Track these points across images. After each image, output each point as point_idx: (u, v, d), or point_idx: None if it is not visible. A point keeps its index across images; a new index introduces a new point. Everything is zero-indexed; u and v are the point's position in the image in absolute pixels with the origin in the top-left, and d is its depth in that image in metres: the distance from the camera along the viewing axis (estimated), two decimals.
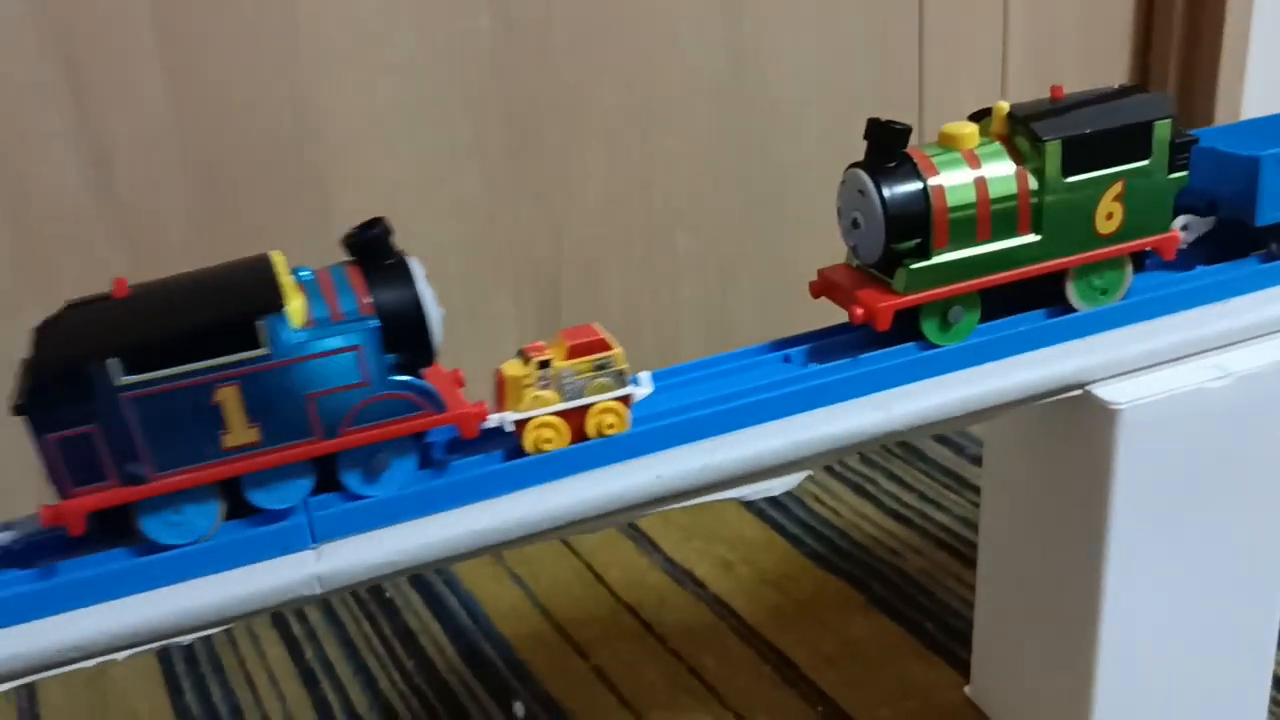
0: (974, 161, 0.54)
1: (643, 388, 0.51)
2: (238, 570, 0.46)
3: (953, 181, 0.53)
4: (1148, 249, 0.57)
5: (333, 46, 0.83)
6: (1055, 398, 0.56)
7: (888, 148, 0.53)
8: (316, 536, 0.47)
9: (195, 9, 0.79)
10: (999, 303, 0.55)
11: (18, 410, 0.42)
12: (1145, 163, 0.55)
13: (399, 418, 0.46)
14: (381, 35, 0.85)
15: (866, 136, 0.54)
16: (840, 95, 1.03)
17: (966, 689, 0.75)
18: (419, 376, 0.46)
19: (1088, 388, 0.56)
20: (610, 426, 0.49)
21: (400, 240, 0.89)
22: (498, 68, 0.89)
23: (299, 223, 0.86)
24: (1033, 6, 1.11)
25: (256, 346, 0.43)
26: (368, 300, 0.46)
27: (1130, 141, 0.55)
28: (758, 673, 0.78)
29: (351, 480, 0.46)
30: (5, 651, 0.43)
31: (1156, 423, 0.56)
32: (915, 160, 0.53)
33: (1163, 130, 0.55)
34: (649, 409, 0.52)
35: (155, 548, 0.45)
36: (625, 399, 0.49)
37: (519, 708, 0.76)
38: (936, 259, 0.53)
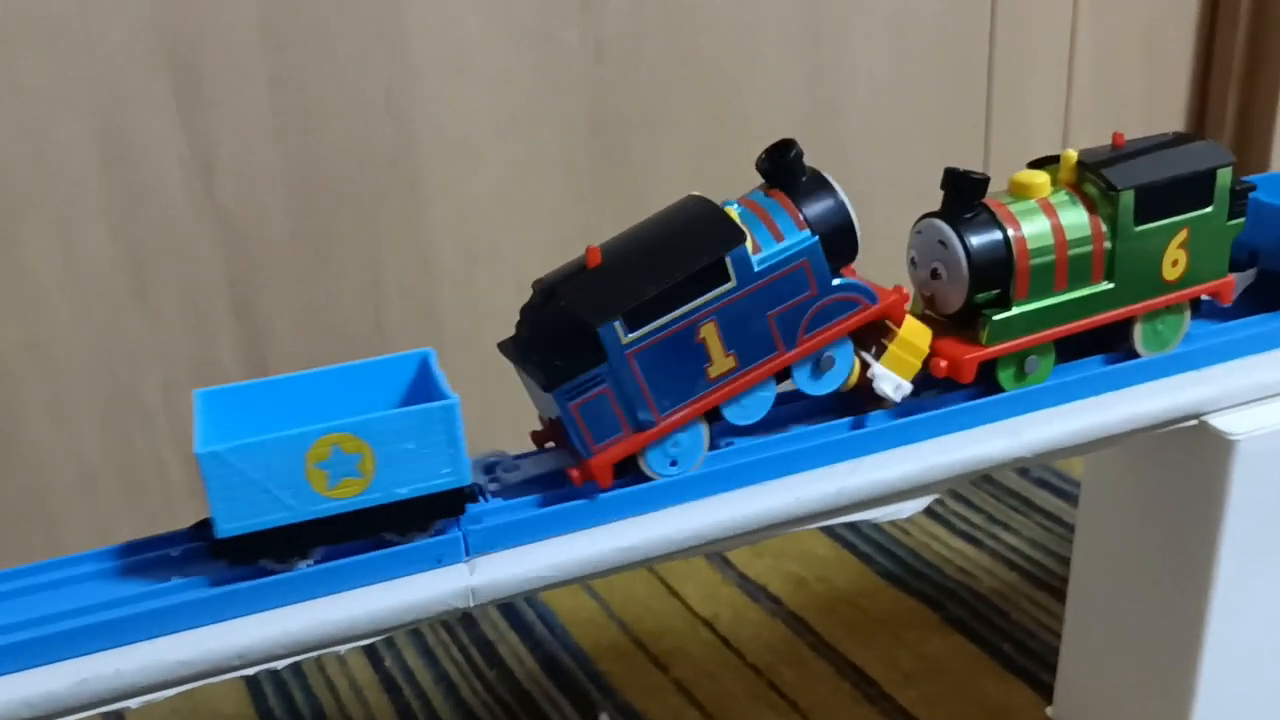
0: (1050, 211, 0.54)
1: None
2: (397, 581, 0.46)
3: (1032, 231, 0.53)
4: (1204, 295, 0.57)
5: (432, 56, 0.84)
6: (1172, 428, 0.57)
7: (967, 197, 0.53)
8: (470, 550, 0.47)
9: (302, 19, 0.80)
10: (1066, 349, 0.56)
11: (546, 389, 0.46)
12: (1208, 210, 0.56)
13: (843, 317, 0.50)
14: (480, 47, 0.86)
15: (944, 186, 0.54)
16: (911, 116, 1.05)
17: (1048, 710, 0.76)
18: (844, 276, 0.50)
19: (1204, 418, 0.57)
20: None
21: (487, 250, 0.91)
22: (586, 83, 0.90)
23: (390, 231, 0.87)
24: (1097, 47, 1.13)
25: (727, 280, 0.47)
26: (801, 217, 0.49)
27: (1196, 189, 0.55)
28: (836, 687, 0.79)
29: (802, 379, 0.50)
30: (173, 658, 0.44)
31: (1270, 453, 0.57)
32: (994, 210, 0.53)
33: (1224, 178, 0.56)
34: (771, 435, 0.53)
35: (269, 571, 0.45)
36: None
37: (604, 719, 0.77)
38: (1017, 309, 0.53)
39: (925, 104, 1.05)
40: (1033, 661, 0.80)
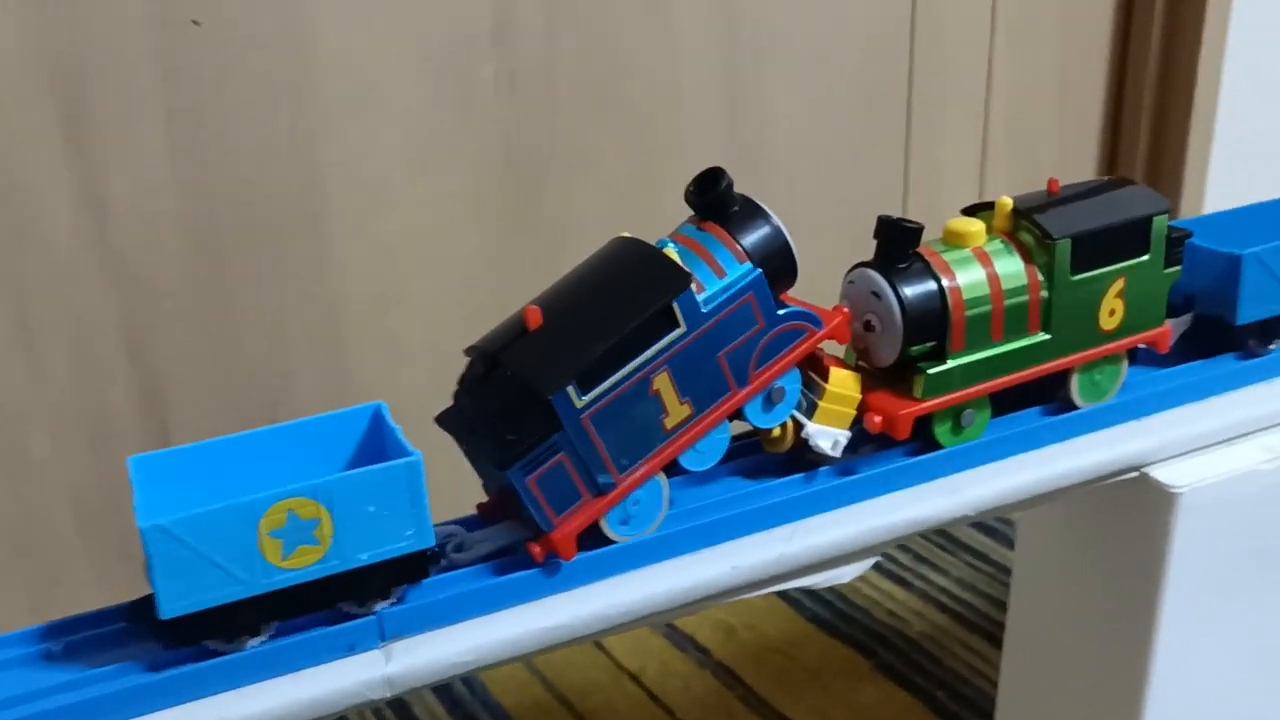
0: (985, 260, 0.52)
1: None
2: (305, 672, 0.43)
3: (968, 281, 0.51)
4: (1142, 344, 0.56)
5: (338, 90, 0.81)
6: (1112, 480, 0.55)
7: (901, 247, 0.51)
8: (386, 634, 0.44)
9: (199, 54, 0.75)
10: (1002, 401, 0.54)
11: (501, 467, 0.43)
12: (1145, 258, 0.54)
13: (791, 346, 0.48)
14: (388, 80, 0.82)
15: (876, 235, 0.52)
16: (830, 153, 1.03)
17: None
18: (786, 303, 0.49)
19: (1145, 470, 0.56)
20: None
21: (397, 291, 0.87)
22: (500, 119, 0.87)
23: (294, 273, 0.83)
24: (1012, 90, 1.13)
25: (677, 326, 0.45)
26: (740, 249, 0.47)
27: (1132, 237, 0.54)
28: None
29: (754, 414, 0.48)
30: None
31: (1213, 505, 0.56)
32: (928, 260, 0.51)
33: (1160, 225, 0.54)
34: (710, 497, 0.50)
35: (215, 652, 0.42)
36: None
37: None
38: (953, 362, 0.51)
39: (844, 145, 1.04)
40: (966, 709, 0.78)
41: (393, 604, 0.44)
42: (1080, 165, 1.22)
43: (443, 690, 0.82)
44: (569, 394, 0.44)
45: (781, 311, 0.48)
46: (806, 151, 1.02)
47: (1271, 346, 0.60)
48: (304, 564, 0.42)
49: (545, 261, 0.92)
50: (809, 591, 0.91)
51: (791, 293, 0.51)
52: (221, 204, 0.79)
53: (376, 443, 0.47)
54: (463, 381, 0.47)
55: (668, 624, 0.88)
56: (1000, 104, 1.13)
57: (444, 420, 0.47)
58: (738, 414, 0.48)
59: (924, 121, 1.08)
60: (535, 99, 0.88)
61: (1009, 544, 0.94)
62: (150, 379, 0.80)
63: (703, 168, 1.00)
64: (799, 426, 0.50)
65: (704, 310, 0.46)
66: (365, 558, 0.42)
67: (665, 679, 0.83)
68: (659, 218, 1.00)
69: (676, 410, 0.46)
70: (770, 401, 0.48)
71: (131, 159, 0.76)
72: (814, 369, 0.50)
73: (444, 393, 0.90)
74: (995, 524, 0.98)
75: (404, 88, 0.83)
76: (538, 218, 0.91)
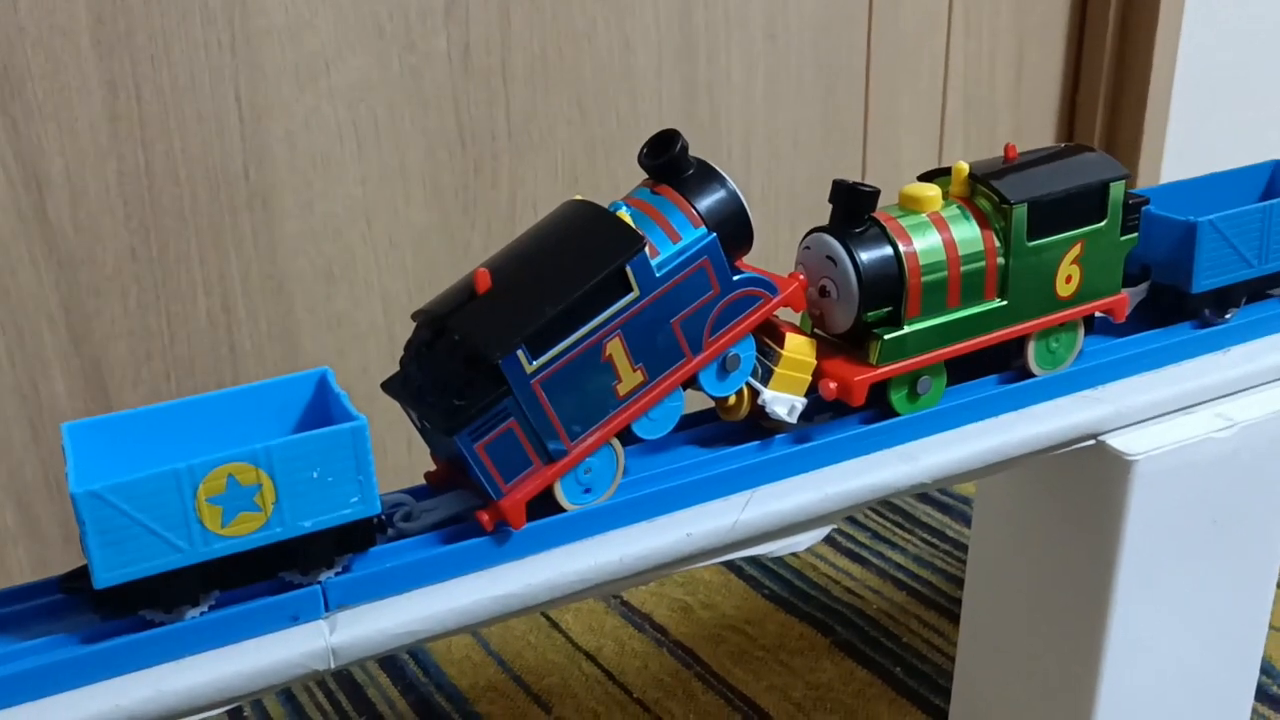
0: (941, 225, 0.52)
1: None
2: (247, 643, 0.41)
3: (924, 246, 0.51)
4: (1098, 312, 0.56)
5: (284, 62, 0.79)
6: (1069, 448, 0.55)
7: (857, 211, 0.50)
8: (330, 604, 0.43)
9: (138, 24, 0.73)
10: (958, 369, 0.53)
11: (448, 433, 0.42)
12: (1102, 224, 0.54)
13: (747, 313, 0.47)
14: (337, 53, 0.80)
15: (832, 199, 0.51)
16: (787, 130, 1.03)
17: None
18: (742, 269, 0.48)
19: (1101, 438, 0.56)
20: None
21: (347, 269, 0.86)
22: (452, 93, 0.86)
23: (241, 250, 0.81)
24: (970, 59, 1.13)
25: (630, 290, 0.44)
26: (695, 212, 0.46)
27: (1089, 203, 0.54)
28: None
29: (709, 382, 0.47)
30: None
31: (1168, 473, 0.56)
32: (885, 224, 0.51)
33: (1117, 191, 0.54)
34: (664, 465, 0.49)
35: (151, 623, 0.40)
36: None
37: None
38: (909, 328, 0.51)
39: (801, 117, 1.03)
40: (924, 685, 0.78)
41: (338, 573, 0.43)
42: (1038, 138, 1.22)
43: (396, 672, 0.81)
44: (519, 358, 0.43)
45: (736, 277, 0.47)
46: (763, 126, 1.01)
47: (1227, 315, 0.60)
48: (244, 531, 0.40)
49: (498, 239, 0.91)
50: (767, 569, 0.91)
51: (748, 263, 0.50)
52: (164, 179, 0.77)
53: (322, 409, 0.45)
54: (409, 347, 0.46)
55: (624, 603, 0.87)
56: (958, 77, 1.13)
57: (390, 386, 0.46)
58: (692, 381, 0.47)
59: (882, 95, 1.08)
60: (489, 73, 0.87)
61: (966, 521, 0.94)
62: (92, 360, 0.78)
63: None
64: (755, 393, 0.49)
65: (657, 274, 0.45)
66: (309, 525, 0.41)
67: (622, 658, 0.82)
68: (615, 195, 0.99)
69: (629, 377, 0.45)
70: (725, 369, 0.47)
71: (70, 133, 0.74)
72: (770, 335, 0.49)
73: (393, 370, 0.89)
74: (952, 502, 0.98)
75: (354, 61, 0.81)
76: (491, 194, 0.90)
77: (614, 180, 0.95)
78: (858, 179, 1.09)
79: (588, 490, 0.46)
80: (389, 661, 0.82)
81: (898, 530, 0.95)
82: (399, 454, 0.89)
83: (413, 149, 0.86)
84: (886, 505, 0.98)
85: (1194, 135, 1.27)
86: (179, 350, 0.81)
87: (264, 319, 0.84)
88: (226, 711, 0.77)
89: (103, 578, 0.39)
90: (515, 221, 0.91)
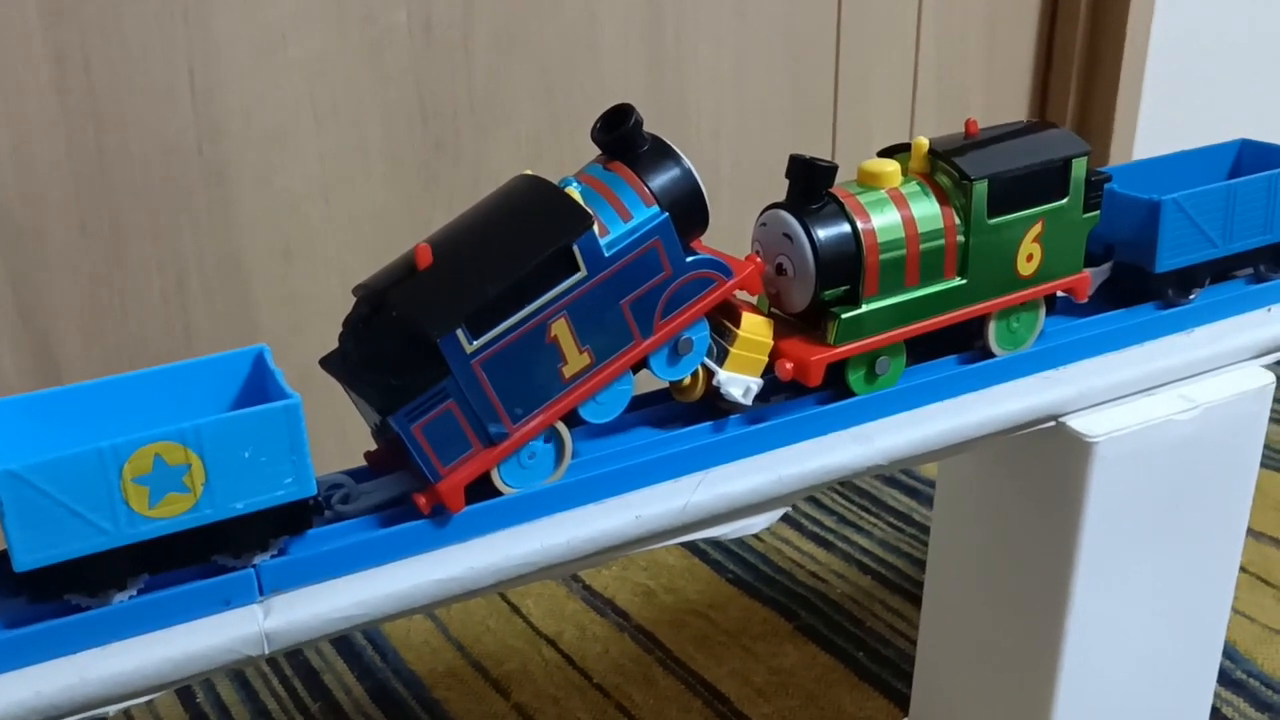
0: (900, 202, 0.51)
1: None
2: (177, 628, 0.40)
3: (882, 223, 0.50)
4: (1060, 291, 0.55)
5: (239, 35, 0.77)
6: (1029, 430, 0.54)
7: (814, 187, 0.49)
8: (264, 588, 0.41)
9: None
10: (917, 348, 0.53)
11: (384, 413, 0.41)
12: (1064, 201, 0.53)
13: (699, 296, 0.46)
14: (289, 29, 0.79)
15: (789, 174, 0.50)
16: (754, 107, 1.02)
17: None
18: (696, 250, 0.47)
19: (1062, 420, 0.55)
20: None
21: (305, 246, 0.84)
22: (413, 68, 0.84)
23: (194, 226, 0.79)
24: (942, 36, 1.12)
25: (577, 270, 0.43)
26: (647, 190, 0.45)
27: (1051, 180, 0.53)
28: (688, 707, 0.75)
29: (660, 366, 0.46)
30: None
31: (1129, 455, 0.55)
32: (842, 201, 0.50)
33: (1079, 168, 0.53)
34: (615, 446, 0.48)
35: (77, 608, 0.39)
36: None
37: None
38: (867, 307, 0.50)
39: (770, 94, 1.02)
40: (887, 670, 0.78)
41: (272, 556, 0.41)
42: (1010, 114, 1.21)
43: (353, 658, 0.80)
44: (458, 337, 0.41)
45: (690, 259, 0.46)
46: (731, 102, 1.00)
47: (1191, 296, 0.59)
48: (173, 513, 0.39)
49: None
50: (731, 553, 0.90)
51: (715, 244, 0.48)
52: (115, 153, 0.76)
53: (258, 387, 0.44)
54: (348, 322, 0.44)
55: (586, 587, 0.86)
56: (930, 53, 1.12)
57: (328, 363, 0.45)
58: (642, 364, 0.46)
59: (853, 72, 1.06)
60: (451, 47, 0.85)
61: (932, 505, 0.94)
62: (41, 338, 0.76)
63: None
64: (710, 374, 0.48)
65: (606, 254, 0.43)
66: (241, 507, 0.40)
67: (583, 643, 0.81)
68: (570, 173, 0.98)
69: (575, 359, 0.44)
70: (676, 353, 0.46)
71: (16, 105, 0.72)
72: (726, 315, 0.48)
73: None
74: (919, 486, 0.97)
75: (312, 33, 0.80)
76: (452, 171, 0.88)
77: (578, 157, 0.93)
78: (828, 156, 1.09)
79: (527, 474, 0.45)
80: (345, 647, 0.81)
81: (864, 514, 0.94)
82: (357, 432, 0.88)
83: (373, 124, 0.84)
84: (852, 489, 0.98)
85: (1167, 114, 1.26)
86: (132, 327, 0.79)
87: (219, 296, 0.82)
88: (178, 698, 0.76)
89: (22, 560, 0.37)
90: (478, 198, 0.90)
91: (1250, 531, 0.90)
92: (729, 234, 0.57)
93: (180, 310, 0.81)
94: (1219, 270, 0.60)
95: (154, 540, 0.39)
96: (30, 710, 0.38)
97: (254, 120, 0.79)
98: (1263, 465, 0.98)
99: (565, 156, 0.93)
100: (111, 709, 0.40)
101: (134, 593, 0.40)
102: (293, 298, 0.85)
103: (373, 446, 0.47)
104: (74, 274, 0.76)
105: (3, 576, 0.41)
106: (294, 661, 0.80)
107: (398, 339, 0.42)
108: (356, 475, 0.46)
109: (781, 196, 0.51)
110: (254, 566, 0.41)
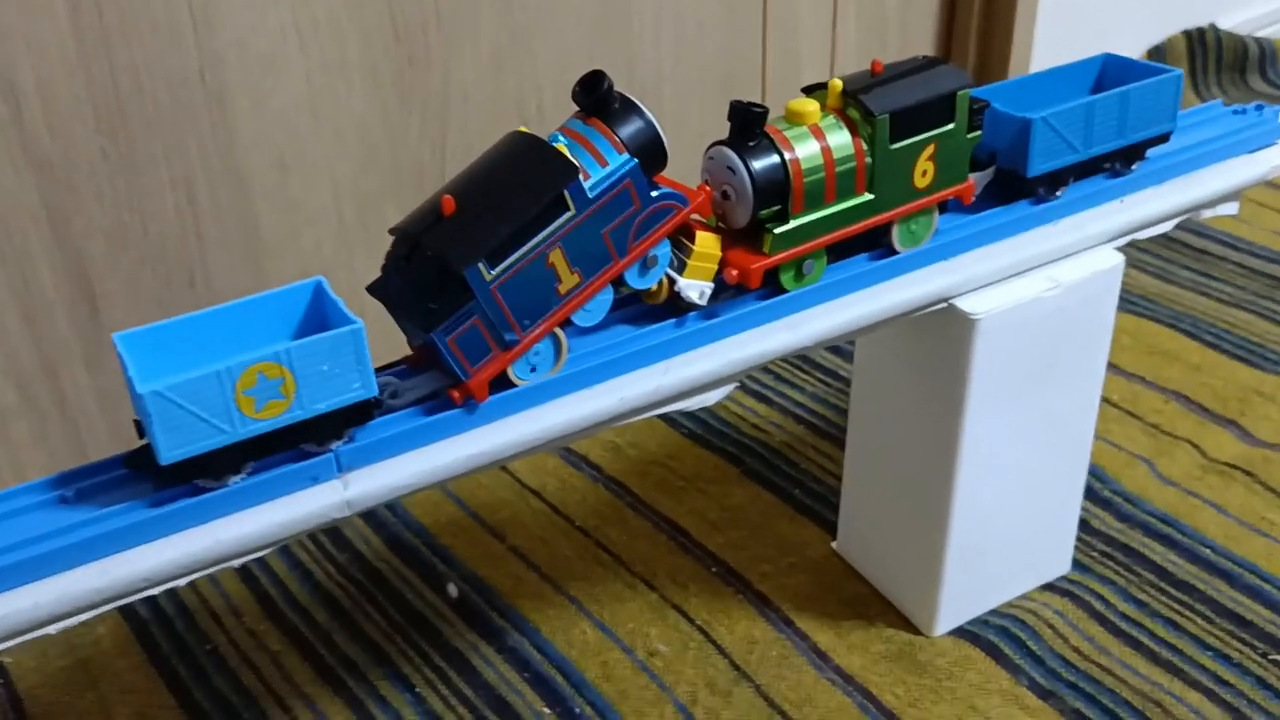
0: (819, 135, 0.62)
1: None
2: (279, 500, 0.53)
3: (805, 154, 0.61)
4: (950, 198, 0.67)
5: None
6: (926, 311, 0.68)
7: (750, 127, 0.61)
8: (342, 467, 0.54)
9: None
10: (836, 250, 0.65)
11: (425, 330, 0.53)
12: (951, 126, 0.65)
13: (663, 221, 0.58)
14: None
15: (730, 118, 0.61)
16: (694, 19, 1.11)
17: (834, 544, 0.88)
18: (659, 185, 0.59)
19: (951, 301, 0.68)
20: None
21: (297, 158, 0.94)
22: None
23: (201, 146, 0.89)
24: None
25: (568, 210, 0.55)
26: (619, 140, 0.56)
27: (940, 109, 0.64)
28: (655, 540, 0.90)
29: (633, 278, 0.59)
30: (88, 585, 0.49)
31: (1005, 327, 0.69)
32: (773, 137, 0.61)
33: (964, 99, 0.65)
34: (595, 343, 0.61)
35: (204, 490, 0.51)
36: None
37: (452, 588, 0.86)
38: (795, 223, 0.62)
39: (707, 40, 1.12)
40: (819, 503, 0.93)
41: (345, 443, 0.54)
42: (921, 48, 1.34)
43: (369, 515, 0.93)
44: (480, 269, 0.53)
45: (654, 193, 0.57)
46: (671, 20, 1.10)
47: (1058, 193, 0.72)
48: (273, 415, 0.51)
49: (432, 123, 1.00)
50: (686, 413, 1.04)
51: (673, 132, 0.59)
52: (128, 86, 0.84)
53: (318, 311, 0.56)
54: (389, 259, 0.56)
55: (564, 447, 1.00)
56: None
57: (374, 290, 0.57)
58: (619, 279, 0.59)
59: (780, 14, 1.17)
60: None
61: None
62: (74, 255, 0.86)
63: (575, 36, 1.09)
64: (672, 281, 0.60)
65: (590, 195, 0.55)
66: (322, 407, 0.52)
67: (564, 493, 0.95)
68: (537, 81, 1.08)
69: (568, 279, 0.56)
70: (646, 267, 0.58)
71: (39, 48, 0.80)
72: (684, 234, 0.60)
73: (344, 248, 1.00)
74: (844, 345, 1.11)
75: None
76: (424, 83, 0.98)
77: (535, 64, 1.04)
78: (757, 93, 1.20)
79: (535, 370, 0.57)
80: None
81: (797, 373, 1.08)
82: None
83: (351, 44, 0.93)
84: None
85: (1063, 22, 1.40)
86: (151, 241, 0.89)
87: (225, 208, 0.92)
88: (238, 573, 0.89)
89: (167, 456, 0.49)
90: (447, 106, 1.00)
91: (1123, 372, 1.05)
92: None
93: (193, 221, 0.91)
94: (1082, 171, 0.72)
95: (259, 436, 0.51)
96: (180, 566, 0.51)
97: (248, 48, 0.88)
98: (1137, 314, 1.13)
99: (524, 65, 1.03)
100: (236, 562, 0.53)
101: (245, 475, 0.52)
102: (289, 204, 0.95)
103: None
104: (98, 196, 0.86)
105: (138, 469, 0.53)
106: None
107: (433, 273, 0.54)
108: (399, 374, 0.59)
109: (716, 127, 0.61)
110: (333, 451, 0.54)
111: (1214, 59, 1.70)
